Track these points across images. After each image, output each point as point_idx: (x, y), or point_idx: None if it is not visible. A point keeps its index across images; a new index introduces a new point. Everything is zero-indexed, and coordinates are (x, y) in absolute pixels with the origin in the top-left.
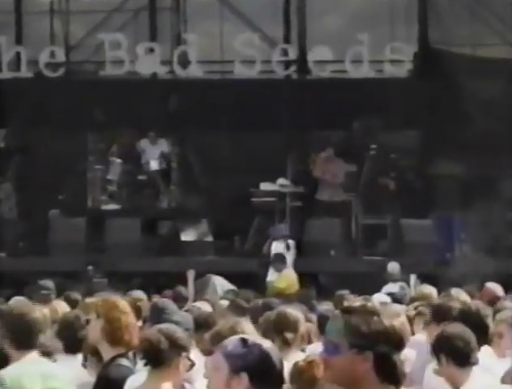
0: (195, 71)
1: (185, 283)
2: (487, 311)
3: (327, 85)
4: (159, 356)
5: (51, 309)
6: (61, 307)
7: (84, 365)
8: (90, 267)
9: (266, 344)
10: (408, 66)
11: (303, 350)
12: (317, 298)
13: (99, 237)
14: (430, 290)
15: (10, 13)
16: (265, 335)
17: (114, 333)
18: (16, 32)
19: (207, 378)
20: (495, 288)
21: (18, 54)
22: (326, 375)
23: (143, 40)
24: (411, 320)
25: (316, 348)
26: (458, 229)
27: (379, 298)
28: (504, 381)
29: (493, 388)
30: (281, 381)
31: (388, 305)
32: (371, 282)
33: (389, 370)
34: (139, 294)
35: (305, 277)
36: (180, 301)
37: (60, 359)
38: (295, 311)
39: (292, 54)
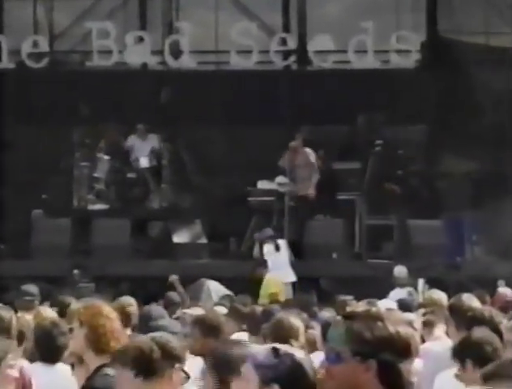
0: (188, 62)
1: (175, 288)
2: (499, 318)
3: (329, 77)
4: (150, 366)
5: (36, 316)
6: (48, 313)
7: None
8: (76, 271)
9: (299, 353)
10: (415, 57)
11: None
12: (318, 304)
13: (85, 238)
14: (439, 296)
15: None
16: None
17: (99, 340)
18: None
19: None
20: (507, 293)
21: None
22: (327, 385)
23: (133, 29)
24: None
25: (319, 356)
26: (468, 230)
27: (385, 305)
28: None
29: None
30: None
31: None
32: (376, 287)
33: (393, 380)
34: (129, 300)
35: (305, 281)
36: (171, 307)
37: (35, 369)
38: (295, 318)
39: (292, 44)
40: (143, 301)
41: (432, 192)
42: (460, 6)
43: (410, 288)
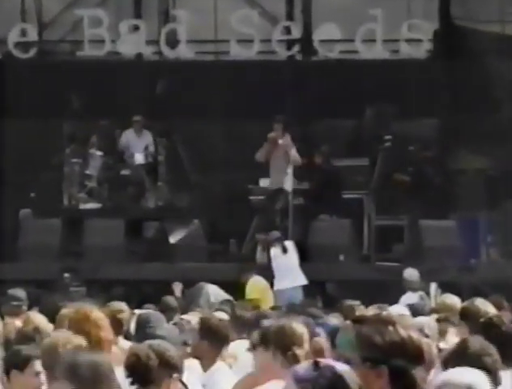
0: (185, 52)
1: (173, 292)
2: None
3: (335, 67)
4: (147, 375)
5: (24, 322)
6: (37, 319)
7: None
8: (66, 275)
9: (341, 365)
10: (427, 46)
11: None
12: (323, 310)
13: (76, 240)
14: (453, 300)
15: None
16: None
17: (84, 349)
18: None
19: None
20: None
21: None
22: None
23: (127, 17)
24: None
25: None
26: (484, 231)
27: (397, 311)
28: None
29: None
30: None
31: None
32: (385, 292)
33: (406, 387)
34: (120, 305)
35: (309, 286)
36: (168, 312)
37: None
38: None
39: (296, 32)
40: (138, 306)
41: (445, 190)
42: None
43: (421, 293)
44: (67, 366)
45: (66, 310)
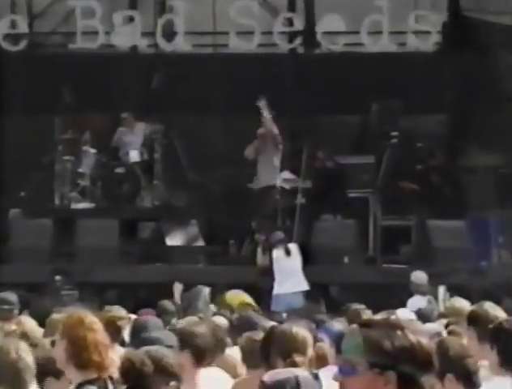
0: (182, 45)
1: (170, 295)
2: None
3: (339, 61)
4: (142, 381)
5: (18, 326)
6: (29, 324)
7: None
8: (57, 277)
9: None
10: (435, 39)
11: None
12: (327, 314)
13: (68, 241)
14: (462, 304)
15: None
16: (253, 358)
17: (80, 354)
18: None
19: None
20: None
21: None
22: None
23: (121, 8)
24: None
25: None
26: (495, 232)
27: (403, 315)
28: None
29: None
30: None
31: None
32: (392, 295)
33: None
34: (120, 311)
35: (312, 289)
36: (165, 316)
37: None
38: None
39: (298, 24)
40: (133, 310)
41: (454, 189)
42: None
43: (429, 296)
44: None
45: (57, 315)
